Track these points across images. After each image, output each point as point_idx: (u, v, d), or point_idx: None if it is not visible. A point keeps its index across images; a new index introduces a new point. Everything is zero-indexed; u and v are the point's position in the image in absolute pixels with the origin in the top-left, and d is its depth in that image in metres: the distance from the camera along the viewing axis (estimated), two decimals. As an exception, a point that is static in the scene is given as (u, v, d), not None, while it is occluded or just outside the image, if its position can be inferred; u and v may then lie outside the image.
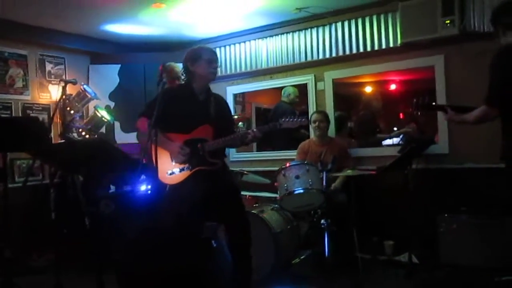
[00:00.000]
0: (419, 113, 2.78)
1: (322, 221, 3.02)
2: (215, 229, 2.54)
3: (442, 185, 4.09)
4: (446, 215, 3.79)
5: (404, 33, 4.22)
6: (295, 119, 2.93)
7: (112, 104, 5.30)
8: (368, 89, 6.46)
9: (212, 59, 3.02)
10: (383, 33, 4.48)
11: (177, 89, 3.19)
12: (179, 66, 4.05)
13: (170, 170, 2.98)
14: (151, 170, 3.49)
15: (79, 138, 4.43)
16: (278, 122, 2.94)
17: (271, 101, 7.06)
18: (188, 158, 2.93)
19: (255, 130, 2.94)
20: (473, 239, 3.63)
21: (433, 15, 4.02)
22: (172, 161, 2.98)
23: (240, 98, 6.48)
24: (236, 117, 5.22)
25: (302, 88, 5.25)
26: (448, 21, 3.97)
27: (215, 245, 2.47)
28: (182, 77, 3.13)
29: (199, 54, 3.00)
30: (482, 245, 3.56)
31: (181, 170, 2.96)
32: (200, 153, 2.93)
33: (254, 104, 7.20)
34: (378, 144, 5.23)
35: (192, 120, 2.98)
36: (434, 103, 3.10)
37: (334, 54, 4.78)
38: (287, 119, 2.93)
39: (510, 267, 3.35)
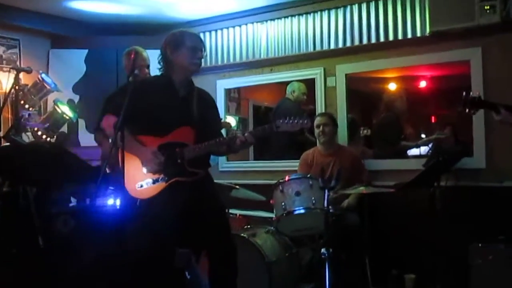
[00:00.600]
0: (467, 110, 2.77)
1: (323, 250, 3.01)
2: (189, 257, 2.52)
3: (476, 207, 4.08)
4: (480, 244, 3.77)
5: (434, 20, 4.25)
6: (295, 121, 2.87)
7: (76, 98, 5.32)
8: (392, 87, 6.45)
9: (197, 47, 2.99)
10: (408, 20, 4.51)
11: (151, 81, 3.17)
12: (146, 52, 4.04)
13: (141, 181, 2.95)
14: (118, 181, 3.49)
15: (28, 141, 4.41)
16: (274, 124, 2.89)
17: (274, 98, 7.00)
18: (163, 166, 2.90)
19: (246, 134, 2.93)
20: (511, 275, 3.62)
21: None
22: (143, 170, 2.95)
23: (236, 94, 6.49)
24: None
25: (309, 84, 5.25)
26: (488, 7, 3.99)
27: (189, 277, 2.45)
28: (159, 67, 3.11)
29: (181, 40, 2.97)
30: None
31: (155, 181, 2.93)
32: (178, 161, 2.91)
33: (252, 101, 7.21)
34: (402, 154, 5.21)
35: (170, 120, 2.95)
36: (486, 100, 3.08)
37: (348, 44, 4.81)
38: (285, 121, 2.87)
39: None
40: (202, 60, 3.09)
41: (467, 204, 4.11)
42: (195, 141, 2.93)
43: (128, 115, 2.70)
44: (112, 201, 4.01)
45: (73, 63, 5.35)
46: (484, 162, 4.17)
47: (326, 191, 2.80)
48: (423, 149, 5.40)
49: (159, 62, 3.08)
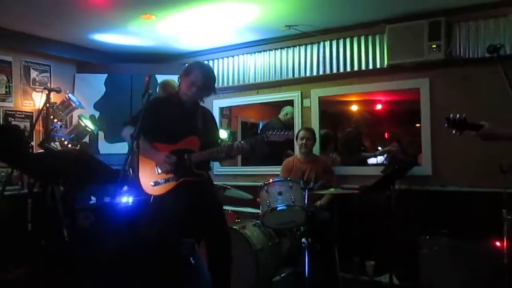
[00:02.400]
0: (453, 131, 2.56)
1: (303, 240, 2.99)
2: (193, 246, 2.48)
3: (424, 207, 4.11)
4: (427, 237, 3.79)
5: (391, 55, 4.28)
6: (282, 133, 2.94)
7: (97, 114, 5.24)
8: (354, 108, 6.50)
9: (196, 83, 2.95)
10: (370, 54, 4.53)
11: (166, 98, 3.18)
12: (175, 81, 4.07)
13: (155, 180, 2.93)
14: (134, 181, 3.46)
15: (59, 148, 4.34)
16: (265, 134, 2.94)
17: (258, 116, 7.10)
18: (174, 168, 2.89)
19: (242, 142, 2.93)
20: (453, 262, 3.62)
21: (420, 39, 4.08)
22: (157, 171, 2.93)
23: (227, 112, 6.47)
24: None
25: (290, 104, 5.26)
26: (435, 46, 4.03)
27: (193, 262, 2.42)
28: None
29: (188, 71, 3.00)
30: (463, 268, 3.55)
31: (166, 180, 2.92)
32: (186, 164, 2.90)
33: (241, 118, 7.19)
34: (363, 162, 5.25)
35: (179, 131, 2.97)
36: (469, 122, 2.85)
37: (321, 72, 4.81)
38: (274, 132, 2.94)
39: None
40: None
41: (417, 204, 4.13)
42: (200, 148, 2.94)
43: (145, 127, 2.70)
44: (126, 199, 3.95)
45: (94, 85, 5.28)
46: (430, 170, 4.20)
47: (306, 191, 2.79)
48: (380, 159, 5.45)
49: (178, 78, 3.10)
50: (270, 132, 2.93)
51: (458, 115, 2.49)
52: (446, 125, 2.53)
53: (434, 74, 4.20)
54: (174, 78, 5.01)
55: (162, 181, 2.91)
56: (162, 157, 2.88)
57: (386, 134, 6.97)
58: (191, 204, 2.89)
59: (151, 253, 2.53)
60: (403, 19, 4.20)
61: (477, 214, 3.78)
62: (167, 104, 3.04)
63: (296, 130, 4.84)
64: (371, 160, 5.47)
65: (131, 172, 3.67)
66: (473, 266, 3.52)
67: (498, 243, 3.33)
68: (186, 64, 3.12)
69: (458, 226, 3.80)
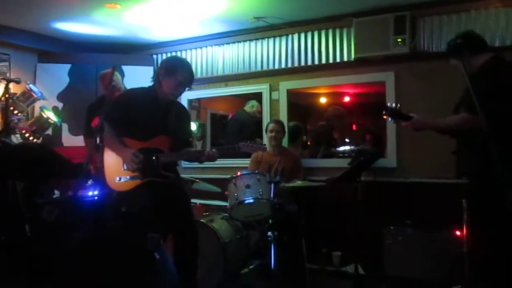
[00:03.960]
0: (389, 120, 2.78)
1: (269, 233, 3.01)
2: (158, 241, 2.47)
3: (389, 198, 4.19)
4: (391, 227, 3.88)
5: (358, 49, 4.33)
6: (255, 145, 2.92)
7: (60, 105, 5.09)
8: (323, 100, 6.56)
9: (184, 83, 2.89)
10: (337, 47, 4.56)
11: (139, 92, 3.05)
12: (118, 76, 3.92)
13: (120, 176, 2.87)
14: (99, 175, 3.38)
15: (17, 142, 4.19)
16: (237, 145, 2.92)
17: (227, 108, 7.06)
18: (141, 166, 2.82)
19: (213, 150, 2.88)
20: (417, 252, 3.73)
21: (386, 33, 4.14)
22: (123, 167, 2.87)
23: (196, 104, 6.42)
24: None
25: (257, 97, 5.26)
26: (400, 40, 4.10)
27: (158, 257, 2.41)
28: (151, 79, 2.98)
29: (174, 70, 2.86)
30: (426, 257, 3.66)
31: (132, 178, 2.85)
32: (154, 164, 2.83)
33: (210, 110, 7.14)
34: (330, 155, 5.29)
35: (150, 128, 2.88)
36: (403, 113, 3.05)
37: (289, 65, 4.82)
38: (246, 143, 2.91)
39: (452, 279, 3.46)
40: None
41: (382, 195, 4.21)
42: (170, 149, 2.89)
43: (114, 117, 2.64)
44: (91, 193, 3.87)
45: (58, 75, 5.12)
46: (395, 162, 4.29)
47: (272, 185, 2.81)
48: (348, 148, 5.47)
49: (155, 73, 2.97)
50: (242, 143, 2.91)
51: (394, 104, 2.72)
52: (383, 112, 2.71)
53: (399, 67, 4.28)
54: (137, 69, 4.94)
55: (128, 178, 2.84)
56: (129, 155, 2.79)
57: (354, 126, 7.08)
58: (156, 202, 2.84)
59: (116, 248, 2.49)
60: (370, 13, 4.26)
61: (438, 204, 3.89)
62: (142, 98, 2.93)
63: (265, 122, 4.86)
64: (340, 148, 5.49)
65: (94, 167, 3.60)
66: (435, 255, 3.64)
67: (458, 232, 3.45)
68: (164, 60, 2.99)
69: (421, 217, 3.91)
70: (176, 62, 2.97)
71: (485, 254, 2.66)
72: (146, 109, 2.89)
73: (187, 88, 2.97)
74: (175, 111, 3.01)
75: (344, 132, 6.36)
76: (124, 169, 2.86)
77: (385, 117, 2.77)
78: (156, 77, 2.93)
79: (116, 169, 2.87)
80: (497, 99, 2.42)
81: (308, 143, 5.85)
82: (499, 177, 1.97)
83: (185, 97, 5.45)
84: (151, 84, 2.98)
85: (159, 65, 2.97)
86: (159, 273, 2.50)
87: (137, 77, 4.57)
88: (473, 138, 2.51)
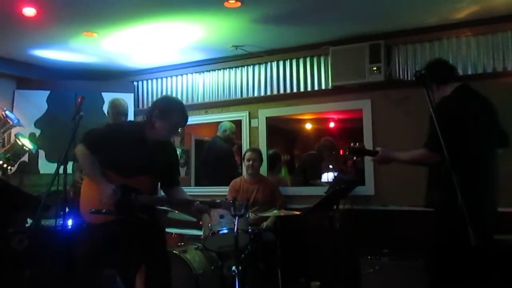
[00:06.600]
0: (354, 158, 2.86)
1: (233, 268, 2.94)
2: (115, 278, 2.40)
3: (367, 226, 4.16)
4: (369, 257, 3.83)
5: (335, 77, 4.37)
6: (231, 206, 2.83)
7: (37, 132, 5.05)
8: (308, 126, 6.56)
9: (178, 126, 2.90)
10: (315, 75, 4.61)
11: (128, 126, 3.00)
12: (123, 102, 3.98)
13: (96, 208, 2.76)
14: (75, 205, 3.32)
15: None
16: (217, 202, 2.89)
17: (212, 133, 6.94)
18: (116, 204, 2.74)
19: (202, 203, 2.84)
20: (394, 281, 3.67)
21: (362, 61, 4.19)
22: (99, 199, 2.80)
23: (180, 130, 6.38)
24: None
25: (236, 124, 5.24)
26: (375, 68, 4.15)
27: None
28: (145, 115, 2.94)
29: (169, 112, 2.82)
30: (402, 286, 3.60)
31: (106, 212, 2.75)
32: (130, 204, 2.76)
33: (194, 136, 7.10)
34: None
35: (133, 166, 2.80)
36: (363, 148, 3.11)
37: (268, 93, 4.86)
38: (226, 202, 2.86)
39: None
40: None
41: (359, 223, 4.17)
42: (150, 191, 2.85)
43: (99, 148, 2.71)
44: (66, 222, 3.79)
45: (36, 102, 5.10)
46: (373, 190, 4.28)
47: (237, 217, 2.77)
48: (330, 177, 5.43)
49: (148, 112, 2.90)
50: (223, 200, 2.89)
51: (357, 144, 2.84)
52: (347, 152, 2.81)
53: (375, 95, 4.32)
54: (122, 96, 4.94)
55: (103, 211, 2.76)
56: (109, 191, 2.72)
57: (341, 151, 7.07)
58: (126, 239, 2.79)
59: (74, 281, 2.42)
60: (346, 41, 4.32)
61: (417, 232, 3.84)
62: (129, 134, 2.87)
63: (243, 150, 4.84)
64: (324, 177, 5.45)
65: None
66: (412, 284, 3.58)
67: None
68: (159, 99, 2.99)
69: (399, 245, 3.86)
70: (169, 102, 2.94)
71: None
72: (132, 146, 2.82)
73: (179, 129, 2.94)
74: (163, 151, 2.95)
75: (332, 162, 6.28)
76: (100, 202, 2.78)
77: (351, 156, 2.81)
78: (149, 116, 2.87)
79: (93, 200, 2.78)
80: (455, 132, 2.43)
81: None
82: (459, 211, 1.96)
83: (166, 124, 5.43)
84: (142, 120, 2.96)
85: (152, 105, 2.92)
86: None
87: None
88: (440, 168, 2.50)
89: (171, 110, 2.84)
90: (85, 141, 2.83)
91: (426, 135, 2.63)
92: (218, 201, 2.88)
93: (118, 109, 4.05)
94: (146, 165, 2.82)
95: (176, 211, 3.50)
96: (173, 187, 3.03)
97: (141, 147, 2.85)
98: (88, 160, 2.81)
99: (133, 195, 2.76)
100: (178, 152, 5.75)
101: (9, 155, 4.35)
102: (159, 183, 3.10)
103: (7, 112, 4.49)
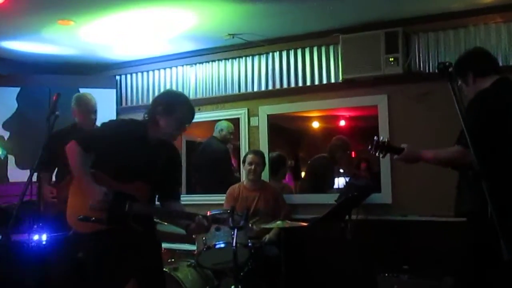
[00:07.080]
0: (376, 154, 2.79)
1: (232, 287, 2.95)
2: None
3: (383, 239, 4.16)
4: (386, 274, 3.83)
5: (346, 69, 4.38)
6: (227, 221, 2.87)
7: (6, 135, 5.06)
8: (316, 124, 6.57)
9: (185, 122, 2.87)
10: (323, 67, 4.63)
11: (128, 124, 2.97)
12: (91, 98, 3.95)
13: (85, 215, 2.73)
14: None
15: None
16: (212, 215, 2.93)
17: (205, 134, 6.91)
18: (108, 212, 2.70)
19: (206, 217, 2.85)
20: (415, 302, 3.69)
21: (377, 51, 4.20)
22: (89, 205, 2.78)
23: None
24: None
25: (234, 123, 5.26)
26: (392, 59, 4.16)
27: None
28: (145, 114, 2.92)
29: (173, 107, 2.81)
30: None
31: (96, 220, 2.75)
32: (124, 213, 2.72)
33: (185, 137, 7.10)
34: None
35: (131, 170, 2.78)
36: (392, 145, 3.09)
37: (270, 87, 4.87)
38: (222, 215, 2.92)
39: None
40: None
41: (375, 235, 4.17)
42: (148, 199, 2.84)
43: (94, 149, 2.70)
44: (38, 237, 3.80)
45: (4, 100, 5.12)
46: (390, 198, 4.28)
47: (236, 230, 2.78)
48: (341, 183, 5.44)
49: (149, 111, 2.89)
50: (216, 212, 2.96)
51: (382, 138, 2.75)
52: (369, 147, 2.74)
53: (392, 89, 4.33)
54: (98, 92, 4.93)
55: (92, 218, 2.75)
56: (99, 194, 2.68)
57: (353, 153, 7.08)
58: (118, 251, 2.78)
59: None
60: (359, 29, 4.33)
61: (440, 246, 3.86)
62: (129, 134, 2.84)
63: (243, 152, 4.85)
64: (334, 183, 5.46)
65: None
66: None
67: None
68: (163, 95, 2.98)
69: (420, 261, 3.87)
70: (174, 98, 2.92)
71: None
72: (131, 147, 2.80)
73: (187, 125, 2.94)
74: (166, 155, 2.93)
75: (347, 165, 6.23)
76: (89, 208, 2.76)
77: (375, 153, 2.77)
78: (151, 115, 2.86)
79: (81, 206, 2.76)
80: (488, 133, 2.43)
81: (303, 174, 5.78)
82: (491, 220, 1.97)
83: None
84: (144, 118, 2.93)
85: (152, 102, 2.93)
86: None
87: (98, 101, 4.55)
88: (468, 172, 2.51)
89: (175, 104, 2.83)
90: (78, 138, 2.80)
91: (458, 132, 2.63)
92: (224, 216, 2.89)
93: (87, 106, 3.90)
94: (144, 170, 2.81)
95: (165, 223, 3.48)
96: (173, 201, 3.00)
97: (142, 149, 2.83)
98: (79, 159, 2.78)
99: (128, 202, 2.74)
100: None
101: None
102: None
103: (-29, 112, 4.51)
